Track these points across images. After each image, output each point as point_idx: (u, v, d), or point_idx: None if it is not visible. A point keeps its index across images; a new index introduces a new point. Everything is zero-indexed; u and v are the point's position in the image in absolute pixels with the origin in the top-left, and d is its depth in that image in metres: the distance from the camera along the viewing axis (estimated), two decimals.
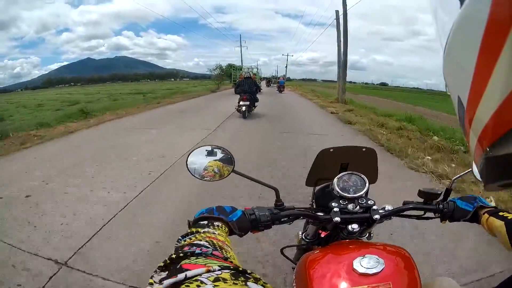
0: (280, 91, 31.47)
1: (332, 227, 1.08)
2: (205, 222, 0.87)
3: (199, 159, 1.05)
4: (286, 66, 77.81)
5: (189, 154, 1.05)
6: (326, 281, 0.87)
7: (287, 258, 1.45)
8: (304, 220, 1.27)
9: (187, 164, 1.04)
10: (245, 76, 12.84)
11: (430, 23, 0.41)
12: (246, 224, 0.96)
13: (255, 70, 39.31)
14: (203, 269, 0.45)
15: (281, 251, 1.38)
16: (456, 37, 0.31)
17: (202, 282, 0.41)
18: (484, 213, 1.00)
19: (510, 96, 0.25)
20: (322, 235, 1.30)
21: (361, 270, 0.85)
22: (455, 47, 0.32)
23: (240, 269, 0.47)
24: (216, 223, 0.86)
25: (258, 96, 12.22)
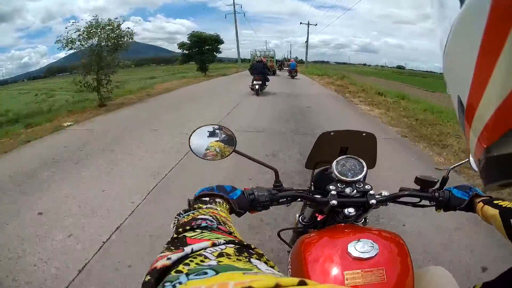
0: (292, 76, 26.42)
1: (329, 210, 1.10)
2: (207, 199, 0.88)
3: (202, 138, 1.07)
4: (307, 43, 57.55)
5: (192, 133, 1.07)
6: (320, 264, 0.90)
7: (283, 240, 1.49)
8: (302, 202, 1.30)
9: (189, 143, 1.06)
10: (258, 59, 15.98)
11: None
12: (245, 203, 0.98)
13: (272, 53, 38.66)
14: (209, 243, 0.46)
15: (278, 233, 1.42)
16: (456, 36, 0.31)
17: (206, 257, 0.42)
18: (479, 202, 1.02)
19: (510, 96, 0.25)
20: (319, 219, 1.33)
21: (355, 254, 0.87)
22: (455, 47, 0.33)
23: (244, 244, 0.48)
24: (217, 200, 0.88)
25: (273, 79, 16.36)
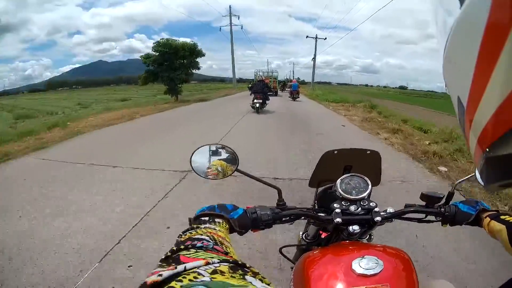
0: (294, 98, 24.04)
1: (333, 228, 1.10)
2: (206, 218, 0.88)
3: (203, 158, 1.08)
4: (314, 60, 50.09)
5: (194, 152, 1.08)
6: (324, 281, 0.89)
7: (286, 257, 1.49)
8: (306, 220, 1.29)
9: (191, 162, 1.07)
10: (259, 79, 16.67)
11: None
12: (247, 222, 0.98)
13: (275, 74, 37.41)
14: (202, 262, 0.46)
15: (280, 250, 1.41)
16: (456, 37, 0.32)
17: (199, 274, 0.42)
18: (486, 217, 1.01)
19: (510, 96, 0.26)
20: (323, 236, 1.32)
21: (359, 270, 0.86)
22: (455, 48, 0.33)
23: (239, 262, 0.48)
24: (217, 220, 0.88)
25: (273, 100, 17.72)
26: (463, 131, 0.37)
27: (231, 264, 0.46)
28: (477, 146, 0.34)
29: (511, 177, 0.31)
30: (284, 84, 42.07)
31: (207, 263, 0.46)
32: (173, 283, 0.39)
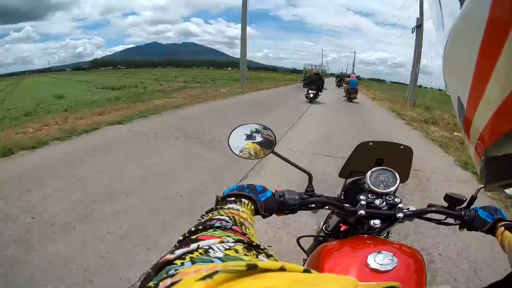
0: (350, 98, 18.62)
1: (355, 220, 1.10)
2: (233, 199, 0.88)
3: (242, 137, 1.10)
4: (353, 68, 52.90)
5: (232, 131, 1.10)
6: (337, 272, 0.90)
7: (302, 248, 1.51)
8: (328, 211, 1.31)
9: (228, 140, 1.09)
10: (315, 72, 19.48)
11: None
12: (274, 205, 0.98)
13: (324, 68, 38.94)
14: (217, 240, 0.47)
15: (298, 240, 1.44)
16: (456, 37, 0.32)
17: (212, 250, 0.43)
18: (500, 226, 1.00)
19: (510, 96, 0.26)
20: (342, 229, 1.33)
21: (374, 265, 0.87)
22: (455, 47, 0.33)
23: (254, 244, 0.48)
24: (243, 200, 0.87)
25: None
26: (463, 131, 0.38)
27: (245, 245, 0.47)
28: (477, 146, 0.34)
29: (511, 177, 0.31)
30: (341, 79, 35.48)
31: (222, 241, 0.46)
32: (183, 256, 0.40)
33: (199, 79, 36.43)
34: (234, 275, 0.29)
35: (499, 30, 0.24)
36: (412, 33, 18.90)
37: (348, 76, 29.80)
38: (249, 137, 1.10)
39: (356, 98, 18.91)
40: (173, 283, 0.30)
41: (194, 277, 0.30)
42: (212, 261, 0.37)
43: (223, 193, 0.93)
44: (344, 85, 22.31)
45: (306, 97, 15.84)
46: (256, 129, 1.11)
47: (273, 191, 1.01)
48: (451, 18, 0.32)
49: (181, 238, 0.55)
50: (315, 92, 15.74)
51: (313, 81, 16.24)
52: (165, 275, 0.34)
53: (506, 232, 0.95)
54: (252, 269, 0.30)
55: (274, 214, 1.01)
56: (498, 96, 0.27)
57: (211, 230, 0.58)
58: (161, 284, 0.32)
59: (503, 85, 0.26)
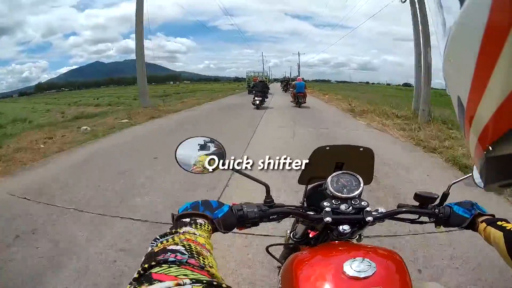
0: (299, 103, 16.77)
1: (323, 227, 1.09)
2: (188, 220, 0.86)
3: (190, 151, 1.07)
4: (299, 70, 49.36)
5: (179, 144, 1.07)
6: (313, 283, 0.87)
7: (273, 256, 1.46)
8: (294, 218, 1.29)
9: (175, 154, 1.06)
10: (260, 79, 20.26)
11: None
12: (233, 220, 0.97)
13: (266, 74, 40.08)
14: (172, 282, 0.45)
15: (267, 249, 1.40)
16: (456, 37, 0.32)
17: None
18: (482, 222, 1.00)
19: (510, 96, 0.26)
20: (311, 235, 1.31)
21: (351, 273, 0.84)
22: (455, 48, 0.33)
23: (215, 283, 0.47)
24: (199, 221, 0.86)
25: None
26: (463, 131, 0.37)
27: (204, 285, 0.46)
28: (477, 146, 0.34)
29: (511, 177, 0.31)
30: (287, 83, 32.64)
31: (178, 284, 0.45)
32: None
33: (121, 100, 29.87)
34: None
35: (499, 31, 0.25)
36: (403, 2, 13.32)
37: (294, 79, 27.93)
38: (202, 147, 1.08)
39: (305, 102, 16.92)
40: None
41: None
42: None
43: (178, 211, 0.92)
44: (290, 89, 20.25)
45: (253, 103, 16.43)
46: (206, 141, 1.08)
47: (231, 205, 1.00)
48: (452, 19, 0.32)
49: (136, 275, 0.53)
50: (261, 98, 16.42)
51: (258, 88, 16.83)
52: None
53: (489, 227, 0.96)
54: None
55: (235, 229, 1.01)
56: (498, 96, 0.27)
57: (166, 266, 0.56)
58: None
59: (503, 85, 0.26)
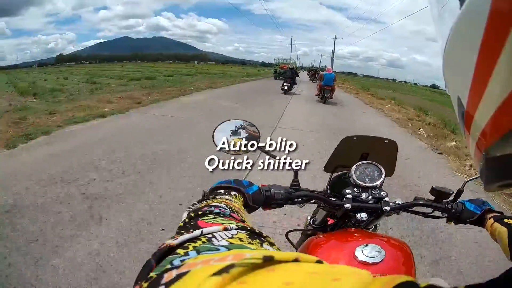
0: (324, 98, 14.00)
1: (342, 213, 1.13)
2: (222, 191, 0.88)
3: (226, 133, 1.10)
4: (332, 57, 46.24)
5: (216, 127, 1.10)
6: None
7: (291, 242, 1.53)
8: (315, 205, 1.34)
9: (213, 137, 1.09)
10: (290, 67, 20.06)
11: None
12: (260, 199, 1.00)
13: (293, 61, 38.94)
14: (220, 227, 0.46)
15: (286, 234, 1.46)
16: (456, 37, 0.32)
17: (216, 238, 0.42)
18: (490, 218, 1.02)
19: (510, 96, 0.26)
20: (330, 223, 1.36)
21: (361, 258, 0.89)
22: (455, 47, 0.33)
23: (256, 231, 0.48)
24: (232, 193, 0.89)
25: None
26: (463, 131, 0.38)
27: (248, 232, 0.47)
28: (477, 146, 0.34)
29: (511, 177, 0.31)
30: (315, 72, 28.72)
31: (225, 229, 0.46)
32: (188, 245, 0.39)
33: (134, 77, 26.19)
34: (250, 268, 0.28)
35: (500, 30, 0.24)
36: None
37: (323, 69, 26.65)
38: (234, 133, 1.11)
39: (331, 98, 14.26)
40: (179, 275, 0.29)
41: (205, 269, 0.29)
42: (218, 249, 0.36)
43: (210, 187, 0.94)
44: (317, 80, 18.16)
45: (281, 88, 17.10)
46: (241, 125, 1.11)
47: (259, 186, 1.02)
48: (451, 17, 0.32)
49: (181, 224, 0.55)
50: (289, 84, 17.11)
51: (288, 74, 17.82)
52: (169, 266, 0.33)
53: (496, 223, 0.98)
54: (268, 261, 0.30)
55: (261, 208, 1.03)
56: (498, 95, 0.27)
57: (211, 216, 0.58)
58: (165, 275, 0.31)
59: (503, 84, 0.26)
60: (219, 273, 0.27)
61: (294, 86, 17.89)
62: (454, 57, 0.34)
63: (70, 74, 31.77)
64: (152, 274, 0.32)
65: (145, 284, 0.31)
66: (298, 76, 19.35)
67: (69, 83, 22.92)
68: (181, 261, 0.33)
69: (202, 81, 22.02)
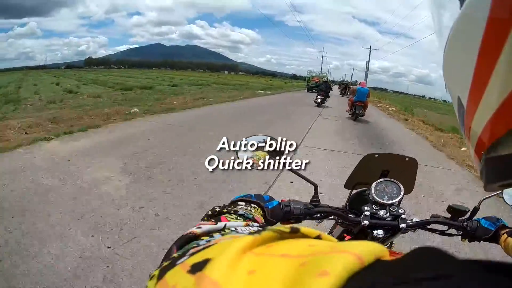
0: (355, 115, 12.53)
1: (358, 230, 1.16)
2: (243, 204, 0.90)
3: (252, 146, 1.10)
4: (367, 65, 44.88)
5: (246, 138, 1.10)
6: None
7: None
8: (333, 222, 1.38)
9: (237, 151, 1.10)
10: (325, 80, 22.18)
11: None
12: (279, 214, 1.02)
13: (325, 74, 39.05)
14: (243, 223, 0.47)
15: None
16: (456, 37, 0.32)
17: (239, 232, 0.43)
18: (503, 233, 1.04)
19: (510, 96, 0.26)
20: (347, 239, 1.36)
21: None
22: (454, 47, 0.33)
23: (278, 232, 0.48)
24: (252, 205, 0.90)
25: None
26: (463, 131, 0.38)
27: (269, 230, 0.46)
28: (477, 146, 0.34)
29: (511, 177, 0.32)
30: (346, 86, 28.07)
31: (247, 225, 0.47)
32: (210, 234, 0.40)
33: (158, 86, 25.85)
34: (279, 236, 0.31)
35: (499, 30, 0.25)
36: None
37: (354, 84, 24.53)
38: (264, 144, 1.11)
39: (363, 115, 12.70)
40: (206, 247, 0.31)
41: (234, 237, 0.32)
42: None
43: (231, 200, 0.95)
44: (348, 94, 17.48)
45: (315, 101, 17.32)
46: (265, 138, 1.12)
47: (280, 201, 1.05)
48: (451, 18, 0.33)
49: (209, 213, 0.58)
50: (323, 97, 17.39)
51: (322, 87, 18.10)
52: (195, 245, 0.34)
53: (509, 238, 1.00)
54: (295, 233, 0.32)
55: (279, 223, 1.04)
56: (498, 95, 0.27)
57: (235, 215, 0.61)
58: (191, 250, 0.32)
59: (503, 84, 0.26)
60: (251, 234, 0.31)
61: (327, 99, 18.09)
62: (454, 57, 0.35)
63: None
64: (175, 254, 0.33)
65: (166, 263, 0.31)
66: (331, 89, 19.58)
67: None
68: (207, 241, 0.35)
69: (195, 95, 18.36)
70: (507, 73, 0.25)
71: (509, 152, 0.28)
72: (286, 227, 0.32)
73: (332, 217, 1.16)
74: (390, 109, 20.07)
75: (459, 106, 0.35)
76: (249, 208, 0.85)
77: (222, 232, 0.41)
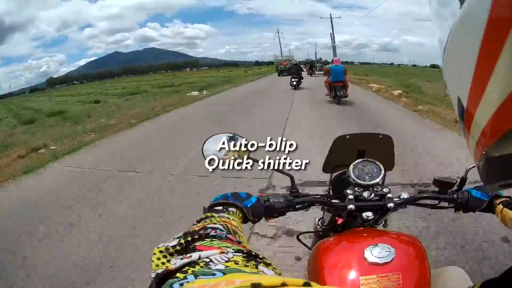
0: (338, 98, 10.49)
1: (347, 214, 1.11)
2: (220, 208, 0.91)
3: (216, 146, 1.09)
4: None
5: (206, 140, 1.09)
6: (337, 269, 0.93)
7: (303, 244, 1.53)
8: (321, 206, 1.31)
9: (202, 150, 1.09)
10: (294, 63, 21.40)
11: None
12: (260, 210, 1.00)
13: (292, 56, 40.02)
14: (217, 251, 0.48)
15: (297, 237, 1.46)
16: (456, 37, 0.32)
17: (213, 262, 0.44)
18: (499, 203, 1.02)
19: (510, 96, 0.26)
20: (339, 222, 1.32)
21: (371, 259, 0.89)
22: (455, 47, 0.33)
23: (253, 253, 0.49)
24: (230, 209, 0.91)
25: None
26: (463, 131, 0.38)
27: (244, 254, 0.48)
28: (477, 146, 0.34)
29: (511, 177, 0.31)
30: (312, 66, 24.47)
31: (222, 252, 0.48)
32: (186, 269, 0.41)
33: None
34: None
35: (499, 30, 0.25)
36: None
37: (319, 62, 23.97)
38: (229, 141, 1.10)
39: (347, 96, 10.88)
40: None
41: None
42: (214, 274, 0.38)
43: (210, 203, 0.95)
44: (317, 72, 18.53)
45: (291, 85, 17.67)
46: (230, 136, 1.10)
47: (258, 196, 1.03)
48: (451, 18, 0.32)
49: (178, 248, 0.57)
50: (297, 79, 17.69)
51: (294, 70, 18.41)
52: None
53: (505, 209, 0.98)
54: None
55: (264, 218, 1.04)
56: (498, 96, 0.27)
57: (208, 240, 0.60)
58: None
59: (503, 85, 0.26)
60: None
61: (302, 81, 18.41)
62: (454, 57, 0.35)
63: None
64: None
65: None
66: (303, 70, 20.01)
67: None
68: (180, 285, 0.35)
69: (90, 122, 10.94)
70: (507, 73, 0.26)
71: (509, 152, 0.29)
72: (246, 285, 0.30)
73: (316, 205, 1.13)
74: (395, 92, 12.67)
75: (459, 106, 0.36)
76: (226, 215, 0.83)
77: (196, 265, 0.43)
